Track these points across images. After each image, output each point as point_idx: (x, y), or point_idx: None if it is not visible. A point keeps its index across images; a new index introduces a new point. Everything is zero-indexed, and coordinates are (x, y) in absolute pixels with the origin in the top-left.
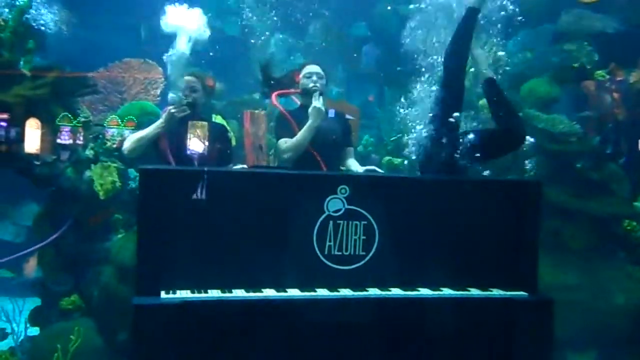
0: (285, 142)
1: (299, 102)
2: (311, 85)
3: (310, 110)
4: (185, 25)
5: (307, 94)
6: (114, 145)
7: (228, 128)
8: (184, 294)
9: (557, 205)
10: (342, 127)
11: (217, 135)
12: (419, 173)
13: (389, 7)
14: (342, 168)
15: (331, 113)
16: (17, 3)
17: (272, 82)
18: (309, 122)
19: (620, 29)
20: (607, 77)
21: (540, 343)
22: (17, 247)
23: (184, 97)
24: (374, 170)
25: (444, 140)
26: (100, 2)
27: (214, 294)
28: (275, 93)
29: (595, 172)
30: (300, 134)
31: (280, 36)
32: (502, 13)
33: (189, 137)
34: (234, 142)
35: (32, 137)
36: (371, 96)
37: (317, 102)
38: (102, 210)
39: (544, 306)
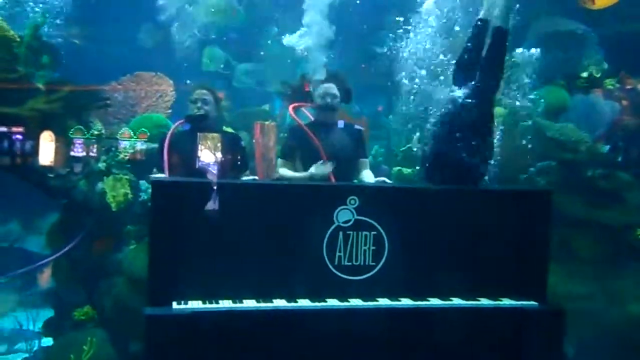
0: (284, 168)
1: (312, 118)
2: (325, 104)
3: (315, 170)
4: None
5: (321, 110)
6: (126, 158)
7: (240, 136)
8: (195, 304)
9: (569, 214)
10: (353, 139)
11: (230, 144)
12: (424, 170)
13: (397, 18)
14: (356, 181)
15: (340, 124)
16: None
17: (289, 89)
18: (311, 172)
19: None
20: (617, 85)
21: (550, 352)
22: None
23: (196, 110)
24: (384, 182)
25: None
26: (112, 16)
27: (225, 304)
28: (292, 106)
29: (606, 181)
30: (299, 175)
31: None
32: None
33: (200, 149)
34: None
35: (47, 150)
36: (380, 107)
37: (325, 169)
38: (106, 236)
39: (554, 316)
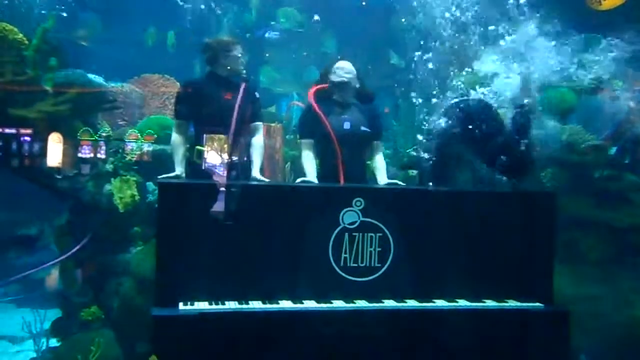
0: (307, 151)
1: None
2: (339, 79)
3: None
4: None
5: (336, 87)
6: (133, 159)
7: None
8: (201, 305)
9: (576, 216)
10: (370, 118)
11: (251, 93)
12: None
13: (403, 20)
14: (369, 162)
15: (357, 102)
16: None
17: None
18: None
19: None
20: (624, 86)
21: (556, 354)
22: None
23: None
24: (396, 184)
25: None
26: (122, 17)
27: (231, 305)
28: (314, 89)
29: (613, 182)
30: (311, 175)
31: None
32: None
33: (206, 150)
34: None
35: (55, 152)
36: (386, 108)
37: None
38: (93, 261)
39: (559, 317)
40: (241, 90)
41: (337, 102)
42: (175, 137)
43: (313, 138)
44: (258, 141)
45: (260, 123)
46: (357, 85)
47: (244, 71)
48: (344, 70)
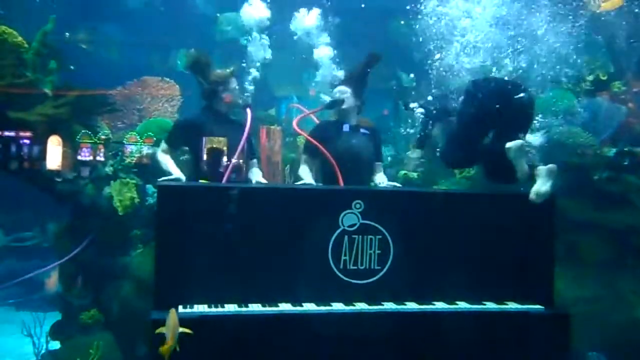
0: (305, 166)
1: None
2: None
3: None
4: None
5: (333, 105)
6: (133, 162)
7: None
8: (201, 308)
9: (575, 218)
10: (372, 141)
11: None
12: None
13: (402, 22)
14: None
15: (346, 127)
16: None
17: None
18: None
19: None
20: (623, 88)
21: (556, 356)
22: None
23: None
24: (395, 187)
25: None
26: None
27: (231, 308)
28: (295, 120)
29: (612, 184)
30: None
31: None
32: None
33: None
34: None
35: (54, 155)
36: (386, 110)
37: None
38: (92, 264)
39: (559, 319)
40: (247, 122)
41: (340, 122)
42: (161, 154)
43: (315, 159)
44: (257, 171)
45: (255, 160)
46: (358, 103)
47: (242, 102)
48: (339, 92)
